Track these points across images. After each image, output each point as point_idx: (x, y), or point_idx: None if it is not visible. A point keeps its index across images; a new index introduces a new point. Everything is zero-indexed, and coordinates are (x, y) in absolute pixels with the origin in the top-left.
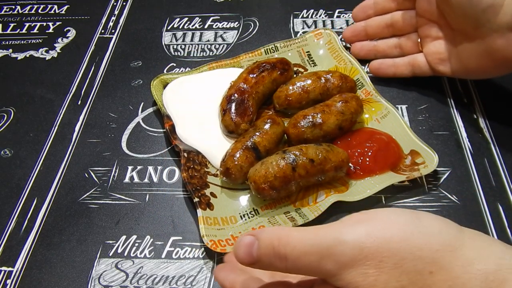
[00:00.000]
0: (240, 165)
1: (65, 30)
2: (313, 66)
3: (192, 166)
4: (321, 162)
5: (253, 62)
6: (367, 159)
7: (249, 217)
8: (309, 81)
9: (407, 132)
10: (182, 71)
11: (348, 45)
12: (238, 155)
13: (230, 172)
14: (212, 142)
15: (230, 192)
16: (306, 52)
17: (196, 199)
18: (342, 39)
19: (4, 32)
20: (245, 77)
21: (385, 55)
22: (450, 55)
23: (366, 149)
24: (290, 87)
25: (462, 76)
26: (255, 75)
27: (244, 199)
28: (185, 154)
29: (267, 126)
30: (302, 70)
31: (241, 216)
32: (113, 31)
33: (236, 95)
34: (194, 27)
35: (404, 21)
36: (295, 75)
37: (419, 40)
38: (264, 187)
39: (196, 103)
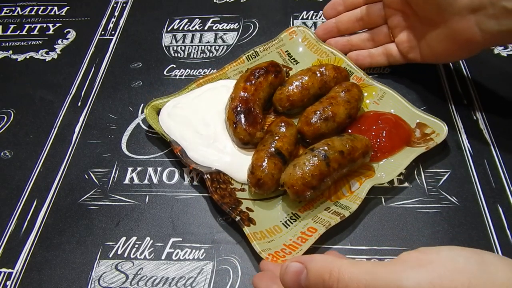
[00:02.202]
0: (270, 173)
1: (65, 31)
2: (296, 64)
3: (218, 186)
4: (350, 152)
5: (239, 71)
6: (383, 140)
7: (291, 223)
8: (306, 78)
9: (408, 107)
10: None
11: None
12: (265, 164)
13: (262, 182)
14: (228, 158)
15: (263, 203)
16: (285, 51)
17: (237, 218)
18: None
19: (4, 34)
20: (244, 86)
21: (359, 48)
22: (419, 42)
23: (379, 131)
24: (290, 87)
25: (431, 61)
26: (252, 82)
27: (279, 207)
28: (208, 176)
29: (283, 129)
30: (288, 70)
31: (283, 224)
32: (113, 32)
33: (241, 105)
34: (194, 29)
35: (373, 14)
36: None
37: (389, 31)
38: (304, 189)
39: (197, 122)
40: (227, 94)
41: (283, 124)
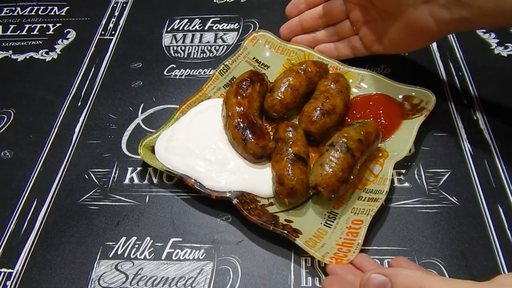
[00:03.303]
0: (299, 179)
1: (65, 31)
2: (267, 68)
3: (249, 207)
4: (366, 138)
5: (217, 88)
6: (382, 119)
7: (332, 221)
8: (291, 79)
9: (389, 83)
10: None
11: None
12: (291, 172)
13: (295, 190)
14: (246, 176)
15: (295, 211)
16: (253, 58)
17: (285, 233)
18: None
19: (4, 34)
20: (237, 101)
21: (325, 43)
22: (380, 34)
23: (376, 112)
24: (280, 92)
25: (392, 52)
26: (243, 95)
27: (312, 210)
28: (237, 200)
29: (293, 133)
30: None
31: (325, 225)
32: (113, 32)
33: (242, 121)
34: (194, 29)
35: (335, 10)
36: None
37: (352, 25)
38: (338, 185)
39: (201, 150)
40: (217, 113)
41: (290, 128)
